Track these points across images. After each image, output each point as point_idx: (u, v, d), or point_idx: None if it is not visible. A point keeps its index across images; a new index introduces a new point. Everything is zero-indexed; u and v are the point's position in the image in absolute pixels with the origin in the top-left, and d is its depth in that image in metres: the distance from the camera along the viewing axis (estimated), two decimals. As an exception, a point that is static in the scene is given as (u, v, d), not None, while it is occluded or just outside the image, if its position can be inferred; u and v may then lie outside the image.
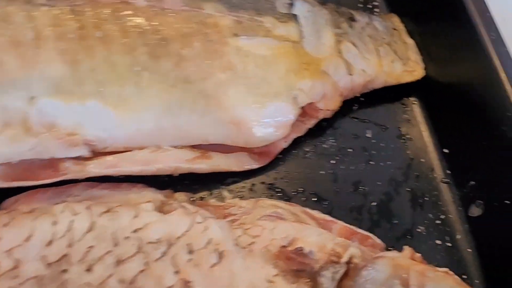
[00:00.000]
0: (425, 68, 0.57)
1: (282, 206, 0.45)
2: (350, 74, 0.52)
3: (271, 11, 0.50)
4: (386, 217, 0.51)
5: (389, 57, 0.55)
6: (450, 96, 0.54)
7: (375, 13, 0.64)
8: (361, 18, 0.56)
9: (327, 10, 0.54)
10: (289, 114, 0.48)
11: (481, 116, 0.48)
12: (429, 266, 0.42)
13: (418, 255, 0.43)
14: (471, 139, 0.51)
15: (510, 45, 0.59)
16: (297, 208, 0.45)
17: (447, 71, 0.54)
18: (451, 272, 0.40)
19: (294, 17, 0.51)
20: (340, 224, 0.44)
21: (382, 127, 0.56)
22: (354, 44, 0.53)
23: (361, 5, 0.65)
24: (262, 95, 0.47)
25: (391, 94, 0.58)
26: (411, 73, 0.56)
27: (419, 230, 0.51)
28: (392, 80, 0.55)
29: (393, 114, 0.57)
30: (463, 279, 0.43)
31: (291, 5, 0.52)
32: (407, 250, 0.43)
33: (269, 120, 0.47)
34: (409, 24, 0.60)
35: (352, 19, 0.55)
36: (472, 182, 0.50)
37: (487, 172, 0.49)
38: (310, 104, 0.50)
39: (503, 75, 0.46)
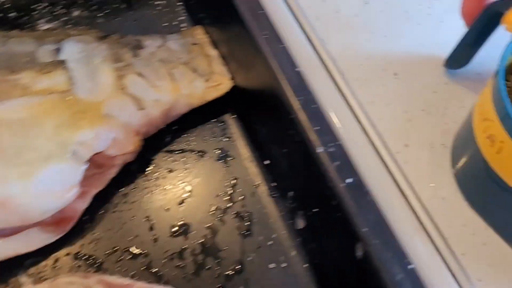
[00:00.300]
0: (234, 78, 0.53)
1: (76, 281, 0.40)
2: (142, 109, 0.47)
3: (30, 64, 0.45)
4: (212, 254, 0.46)
5: (186, 77, 0.50)
6: (256, 104, 0.49)
7: (181, 28, 0.59)
8: (151, 43, 0.52)
9: (106, 45, 0.49)
10: (70, 174, 0.43)
11: (278, 121, 0.44)
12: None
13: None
14: (280, 147, 0.47)
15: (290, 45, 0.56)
16: (92, 279, 0.40)
17: (249, 78, 0.50)
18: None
19: (62, 63, 0.46)
20: (139, 286, 0.40)
21: (200, 153, 0.51)
22: (140, 75, 0.48)
23: (166, 24, 0.60)
24: (28, 164, 0.41)
25: (205, 115, 0.53)
26: (216, 88, 0.51)
27: (250, 258, 0.46)
28: (197, 101, 0.50)
29: (211, 136, 0.52)
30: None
31: (58, 50, 0.47)
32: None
33: (44, 189, 0.41)
34: (216, 34, 0.56)
35: (138, 46, 0.51)
36: (291, 193, 0.46)
37: (298, 180, 0.45)
38: (99, 154, 0.45)
39: (281, 77, 0.42)
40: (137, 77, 0.48)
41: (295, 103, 0.41)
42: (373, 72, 0.57)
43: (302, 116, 0.41)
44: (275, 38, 0.44)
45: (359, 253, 0.37)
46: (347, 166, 0.39)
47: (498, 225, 0.48)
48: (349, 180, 0.38)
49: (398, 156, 0.52)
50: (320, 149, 0.39)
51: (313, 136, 0.40)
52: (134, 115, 0.47)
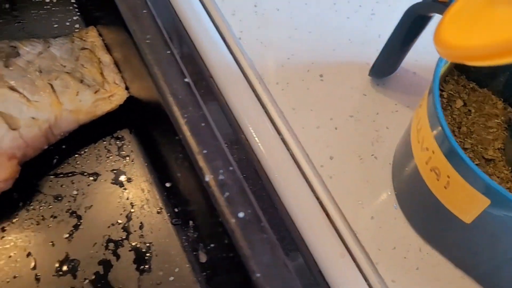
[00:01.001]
0: (129, 88, 0.46)
1: None
2: (15, 129, 0.40)
3: None
4: (105, 295, 0.40)
5: (70, 89, 0.43)
6: (153, 118, 0.43)
7: (75, 30, 0.52)
8: (30, 49, 0.44)
9: (-28, 54, 0.42)
10: None
11: (171, 139, 0.38)
12: None
13: None
14: (176, 169, 0.40)
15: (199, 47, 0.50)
16: None
17: (143, 88, 0.43)
18: None
19: None
20: None
21: (92, 176, 0.44)
22: (12, 88, 0.41)
23: (56, 25, 0.52)
24: None
25: (98, 131, 0.46)
26: (108, 100, 0.44)
27: (147, 298, 0.40)
28: (85, 116, 0.44)
29: (105, 155, 0.46)
30: None
31: None
32: None
33: None
34: (110, 36, 0.48)
35: (12, 54, 0.43)
36: (191, 222, 0.40)
37: (196, 208, 0.39)
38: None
39: (165, 90, 0.35)
40: (9, 91, 0.41)
41: (180, 121, 0.34)
42: (296, 74, 0.51)
43: (188, 138, 0.34)
44: (160, 43, 0.37)
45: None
46: (239, 197, 0.32)
47: (445, 249, 0.43)
48: (241, 215, 0.32)
49: (322, 171, 0.46)
50: (208, 178, 0.33)
51: (200, 162, 0.33)
52: (6, 136, 0.40)
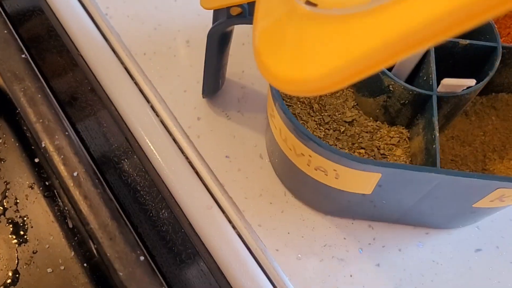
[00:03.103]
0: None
1: None
2: None
3: None
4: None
5: None
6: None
7: None
8: None
9: None
10: None
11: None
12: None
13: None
14: (35, 143, 0.42)
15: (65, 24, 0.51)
16: None
17: None
18: None
19: None
20: None
21: (-36, 161, 0.46)
22: None
23: None
24: None
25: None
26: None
27: (26, 266, 0.42)
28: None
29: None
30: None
31: None
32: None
33: None
34: None
35: None
36: (56, 191, 0.42)
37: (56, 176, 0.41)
38: None
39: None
40: None
41: (18, 95, 0.36)
42: (162, 43, 0.53)
43: (26, 109, 0.36)
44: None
45: (94, 250, 0.34)
46: (74, 158, 0.35)
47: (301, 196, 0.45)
48: (75, 174, 0.34)
49: (189, 131, 0.49)
50: (43, 143, 0.35)
51: (38, 130, 0.35)
52: None
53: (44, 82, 0.36)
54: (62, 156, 0.34)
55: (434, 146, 0.36)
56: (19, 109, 0.35)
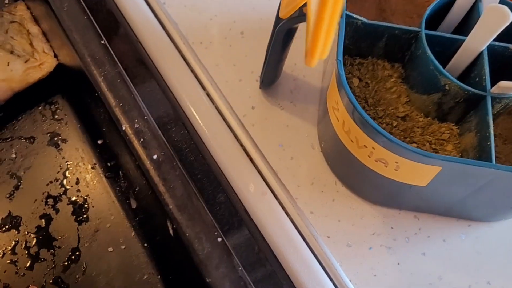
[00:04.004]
0: (58, 56, 0.49)
1: None
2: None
3: None
4: (47, 245, 0.44)
5: (1, 60, 0.46)
6: (82, 82, 0.46)
7: (5, 4, 0.55)
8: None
9: None
10: None
11: (95, 98, 0.41)
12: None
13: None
14: (103, 125, 0.44)
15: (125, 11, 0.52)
16: None
17: (71, 55, 0.46)
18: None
19: None
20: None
21: (29, 140, 0.48)
22: None
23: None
24: None
25: (33, 98, 0.49)
26: (39, 68, 0.47)
27: (87, 244, 0.44)
28: (18, 85, 0.47)
29: (40, 120, 0.49)
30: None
31: None
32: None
33: None
34: (37, 9, 0.51)
35: None
36: (121, 171, 0.44)
37: (122, 157, 0.43)
38: None
39: (82, 52, 0.39)
40: None
41: (98, 79, 0.38)
42: (218, 33, 0.55)
43: (106, 93, 0.38)
44: (77, 9, 0.40)
45: (171, 230, 0.36)
46: (153, 141, 0.36)
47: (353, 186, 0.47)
48: (155, 156, 0.36)
49: (244, 120, 0.50)
50: (124, 127, 0.37)
51: (118, 114, 0.37)
52: None
53: (121, 68, 0.38)
54: (141, 140, 0.35)
55: (489, 143, 0.38)
56: (98, 92, 0.37)
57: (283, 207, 0.47)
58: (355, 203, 0.48)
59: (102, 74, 0.37)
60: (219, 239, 0.33)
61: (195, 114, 0.49)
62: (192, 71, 0.52)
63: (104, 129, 0.42)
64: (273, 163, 0.49)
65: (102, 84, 0.37)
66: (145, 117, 0.36)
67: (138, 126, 0.36)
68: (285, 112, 0.51)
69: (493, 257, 0.46)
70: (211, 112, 0.50)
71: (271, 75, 0.49)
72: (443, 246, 0.46)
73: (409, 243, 0.46)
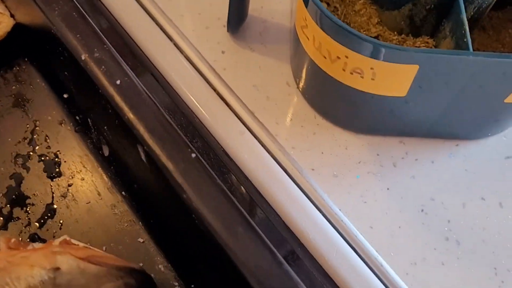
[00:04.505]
0: (15, 16, 0.47)
1: None
2: None
3: None
4: (19, 204, 0.41)
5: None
6: (42, 37, 0.44)
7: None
8: None
9: None
10: None
11: (54, 42, 0.39)
12: (20, 251, 0.33)
13: (13, 240, 0.34)
14: (64, 69, 0.42)
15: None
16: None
17: (28, 11, 0.44)
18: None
19: None
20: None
21: (-8, 103, 0.46)
22: None
23: None
24: None
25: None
26: (-4, 29, 0.45)
27: (62, 199, 0.42)
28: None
29: (3, 83, 0.47)
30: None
31: None
32: (0, 241, 0.34)
33: None
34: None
35: None
36: (89, 120, 0.42)
37: (88, 100, 0.41)
38: None
39: None
40: None
41: (52, 15, 0.36)
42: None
43: (63, 29, 0.36)
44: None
45: (143, 155, 0.34)
46: (114, 68, 0.35)
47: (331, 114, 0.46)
48: (118, 82, 0.34)
49: (215, 64, 0.49)
50: (83, 56, 0.35)
51: (75, 44, 0.35)
52: None
53: (77, 3, 0.36)
54: (103, 67, 0.34)
55: (465, 39, 0.37)
56: (53, 28, 0.35)
57: (263, 145, 0.45)
58: (337, 134, 0.46)
59: (56, 9, 0.36)
60: (193, 155, 0.32)
61: (163, 63, 0.48)
62: (157, 23, 0.51)
63: (68, 77, 0.40)
64: (249, 104, 0.47)
65: (57, 19, 0.35)
66: (105, 46, 0.34)
67: (98, 55, 0.34)
68: (256, 53, 0.49)
69: (484, 173, 0.45)
70: (180, 60, 0.49)
71: (236, 15, 0.47)
72: (432, 168, 0.45)
73: (397, 168, 0.45)
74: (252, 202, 0.43)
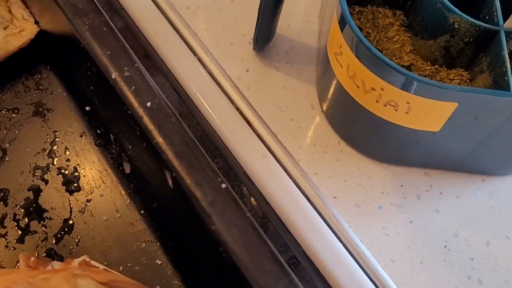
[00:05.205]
0: (39, 23, 0.46)
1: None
2: None
3: None
4: (37, 217, 0.40)
5: (-21, 26, 0.43)
6: (66, 47, 0.43)
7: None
8: None
9: None
10: None
11: (81, 57, 0.38)
12: (39, 271, 0.32)
13: (33, 259, 0.33)
14: (89, 84, 0.41)
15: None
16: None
17: (53, 20, 0.43)
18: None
19: None
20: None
21: (14, 111, 0.45)
22: None
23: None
24: None
25: (15, 67, 0.46)
26: (20, 35, 0.44)
27: (80, 214, 0.41)
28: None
29: (24, 90, 0.46)
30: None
31: None
32: (20, 259, 0.33)
33: None
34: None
35: None
36: (113, 135, 0.41)
37: (110, 115, 0.40)
38: None
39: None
40: None
41: (82, 29, 0.35)
42: (206, -3, 0.52)
43: (91, 42, 0.35)
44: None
45: (170, 181, 0.33)
46: (145, 89, 0.34)
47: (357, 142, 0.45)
48: (148, 104, 0.33)
49: (238, 82, 0.48)
50: (114, 75, 0.34)
51: (105, 62, 0.34)
52: None
53: (106, 17, 0.35)
54: (133, 87, 0.33)
55: (506, 78, 0.36)
56: (84, 43, 0.34)
57: (285, 169, 0.44)
58: (361, 162, 0.45)
59: (87, 22, 0.35)
60: (223, 185, 0.31)
61: (186, 79, 0.47)
62: (181, 37, 0.50)
63: (92, 90, 0.39)
64: (272, 125, 0.46)
65: (86, 33, 0.34)
66: (136, 65, 0.33)
67: (128, 74, 0.33)
68: (281, 73, 0.48)
69: (509, 211, 0.44)
70: (204, 76, 0.48)
71: (265, 33, 0.46)
72: (456, 202, 0.44)
73: (421, 201, 0.44)
74: (269, 226, 0.43)
